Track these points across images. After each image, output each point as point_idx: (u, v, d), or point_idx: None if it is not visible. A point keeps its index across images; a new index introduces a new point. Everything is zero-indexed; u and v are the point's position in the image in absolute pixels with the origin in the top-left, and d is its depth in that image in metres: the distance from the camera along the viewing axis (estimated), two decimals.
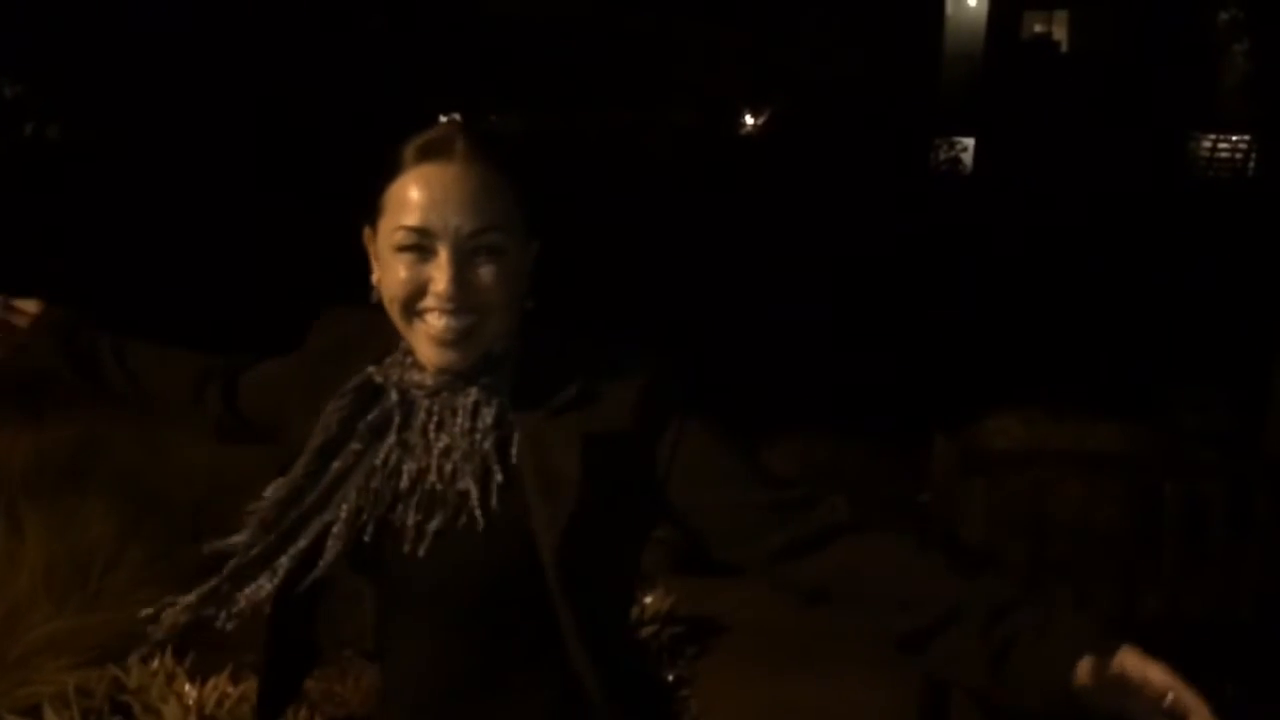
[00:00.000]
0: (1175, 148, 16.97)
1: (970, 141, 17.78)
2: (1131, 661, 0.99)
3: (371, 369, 1.29)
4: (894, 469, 6.00)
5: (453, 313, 1.21)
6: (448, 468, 1.23)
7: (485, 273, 1.21)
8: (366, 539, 1.25)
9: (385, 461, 1.26)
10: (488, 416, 1.24)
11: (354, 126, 14.62)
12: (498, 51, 15.97)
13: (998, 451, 4.46)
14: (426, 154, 1.23)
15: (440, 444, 1.24)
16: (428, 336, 1.22)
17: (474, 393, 1.25)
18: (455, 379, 1.25)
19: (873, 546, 1.18)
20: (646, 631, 3.87)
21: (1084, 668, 1.01)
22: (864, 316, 9.77)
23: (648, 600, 4.08)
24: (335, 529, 1.25)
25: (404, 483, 1.25)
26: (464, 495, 1.21)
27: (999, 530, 3.56)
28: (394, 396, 1.27)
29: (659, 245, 10.86)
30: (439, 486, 1.23)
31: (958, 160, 16.92)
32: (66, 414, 5.63)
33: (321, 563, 1.25)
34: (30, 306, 1.67)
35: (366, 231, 1.29)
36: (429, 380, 1.26)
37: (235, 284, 9.57)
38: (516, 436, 1.23)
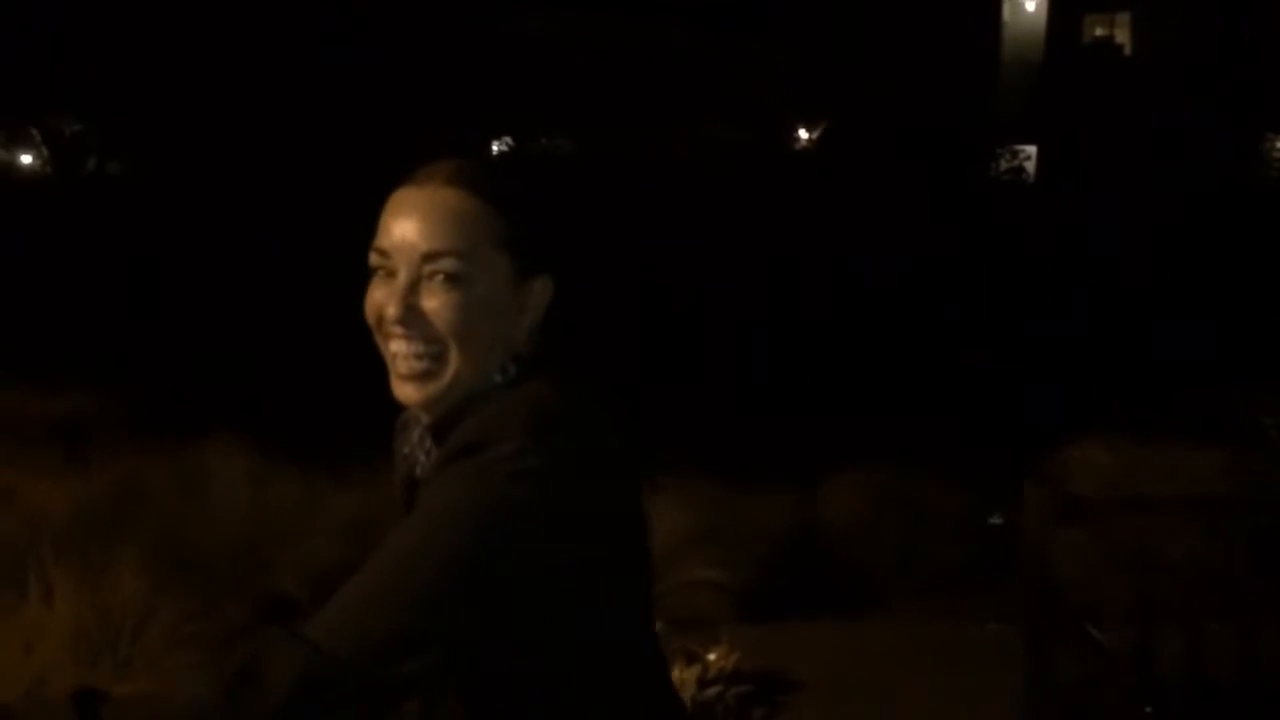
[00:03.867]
0: (1246, 150, 16.40)
1: (1032, 149, 17.34)
2: None
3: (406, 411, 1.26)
4: (966, 494, 5.69)
5: (406, 338, 1.14)
6: None
7: (440, 300, 1.13)
8: None
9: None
10: (429, 459, 1.19)
11: (412, 157, 14.62)
12: (549, 74, 15.90)
13: (1094, 499, 4.11)
14: (410, 180, 1.18)
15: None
16: (394, 371, 1.17)
17: (452, 438, 1.16)
18: (440, 419, 1.18)
19: None
20: (710, 693, 3.58)
21: None
22: (927, 336, 9.42)
23: (711, 657, 3.80)
24: None
25: None
26: None
27: (1097, 573, 3.27)
28: (416, 435, 1.24)
29: (715, 263, 10.63)
30: None
31: (1020, 169, 16.50)
32: (110, 458, 5.53)
33: None
34: None
35: None
36: (424, 418, 1.21)
37: (294, 312, 9.50)
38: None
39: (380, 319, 1.16)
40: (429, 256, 1.13)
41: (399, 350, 1.15)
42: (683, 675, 3.65)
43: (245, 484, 5.15)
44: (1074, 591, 3.30)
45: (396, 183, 1.19)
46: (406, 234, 1.14)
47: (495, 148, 17.57)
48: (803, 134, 17.39)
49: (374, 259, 1.17)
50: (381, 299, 1.16)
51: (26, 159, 22.28)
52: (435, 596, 1.01)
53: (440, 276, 1.13)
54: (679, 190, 12.64)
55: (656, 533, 4.78)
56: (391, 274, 1.15)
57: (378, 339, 1.18)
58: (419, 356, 1.14)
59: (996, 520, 5.55)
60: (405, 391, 1.17)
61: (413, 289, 1.14)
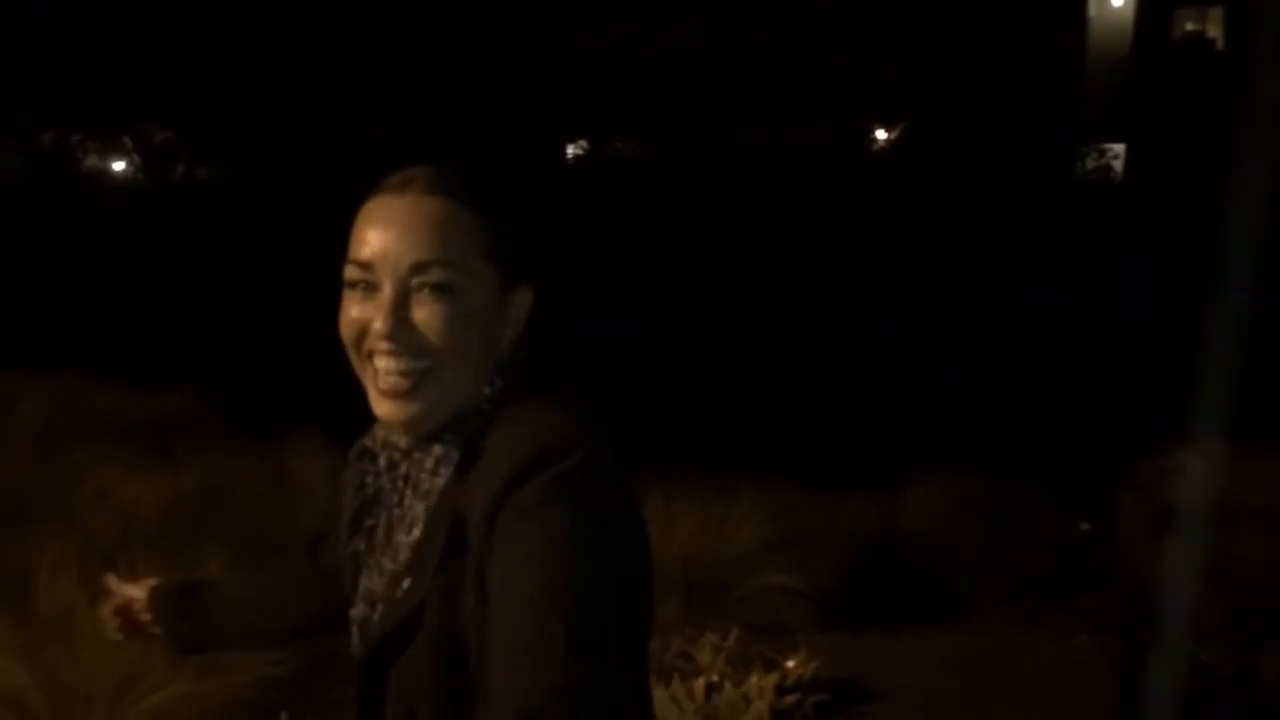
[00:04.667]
0: None
1: (1121, 148, 16.88)
2: None
3: (366, 435, 1.21)
4: (1052, 501, 5.52)
5: (394, 354, 1.08)
6: (410, 541, 1.13)
7: (431, 312, 1.08)
8: (360, 618, 1.18)
9: (382, 536, 1.16)
10: (441, 479, 1.11)
11: (488, 160, 14.81)
12: (624, 79, 15.93)
13: (1191, 509, 3.96)
14: (383, 188, 1.13)
15: (410, 513, 1.14)
16: (374, 385, 1.11)
17: (435, 451, 1.13)
18: (422, 437, 1.13)
19: None
20: (788, 701, 3.52)
21: None
22: (1013, 337, 9.20)
23: (789, 664, 3.74)
24: (352, 614, 1.18)
25: (386, 559, 1.16)
26: (389, 583, 1.13)
27: (1195, 586, 3.14)
28: (383, 461, 1.18)
29: (791, 266, 10.52)
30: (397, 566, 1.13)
31: (1108, 168, 16.06)
32: (199, 457, 5.66)
33: (354, 652, 1.17)
34: (138, 591, 1.53)
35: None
36: (402, 441, 1.16)
37: None
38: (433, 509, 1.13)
39: (362, 335, 1.10)
40: (418, 267, 1.07)
41: (384, 367, 1.09)
42: (760, 682, 3.60)
43: (328, 484, 5.22)
44: (1171, 605, 3.17)
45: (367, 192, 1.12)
46: (391, 244, 1.08)
47: (570, 151, 17.66)
48: (880, 134, 17.16)
49: (351, 273, 1.10)
50: (362, 314, 1.10)
51: (119, 166, 23.02)
52: (602, 632, 0.96)
53: (429, 288, 1.08)
54: (754, 192, 12.55)
55: (734, 537, 4.74)
56: (374, 288, 1.09)
57: (355, 357, 1.12)
58: (404, 373, 1.08)
59: (1085, 528, 5.39)
60: (390, 409, 1.10)
61: (401, 302, 1.08)
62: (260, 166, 16.59)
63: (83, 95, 18.28)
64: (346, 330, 1.12)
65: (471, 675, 1.04)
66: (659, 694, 3.44)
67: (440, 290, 1.08)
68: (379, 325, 1.08)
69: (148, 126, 20.21)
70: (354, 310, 1.11)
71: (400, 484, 1.15)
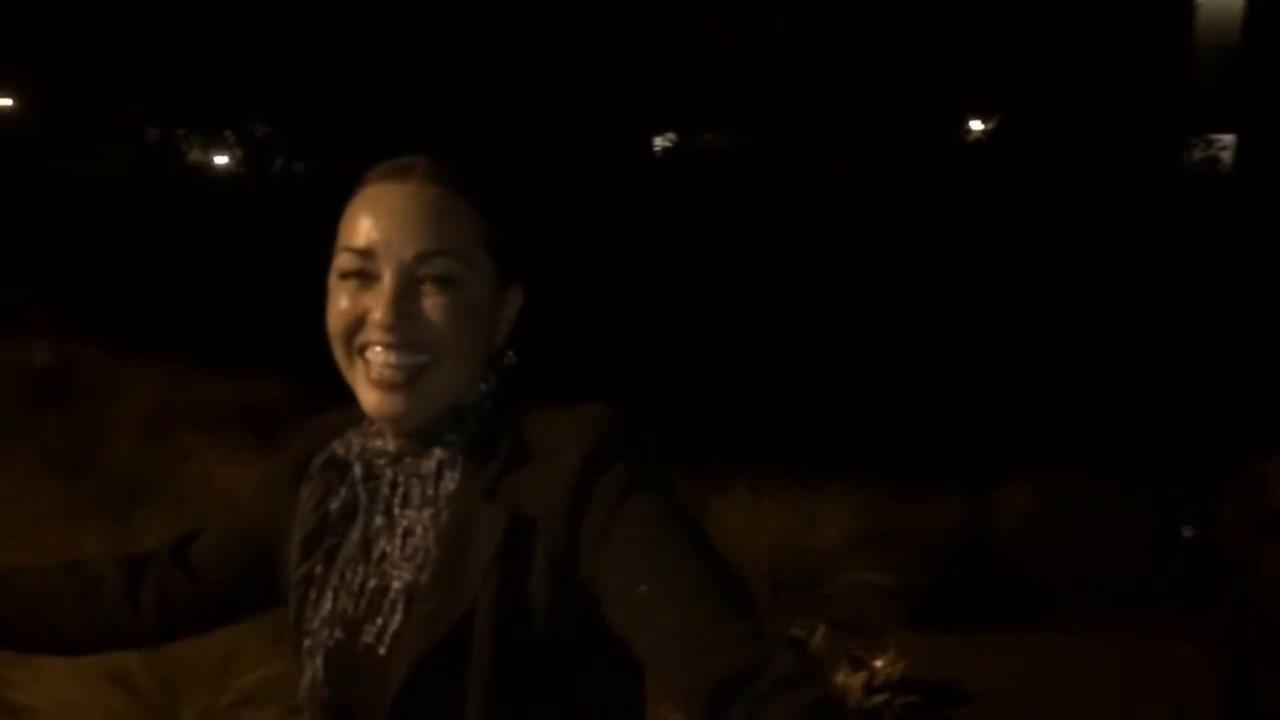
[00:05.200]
0: None
1: (1230, 139, 16.23)
2: None
3: (336, 443, 1.12)
4: (1153, 503, 5.35)
5: (394, 347, 1.02)
6: (405, 555, 1.05)
7: (433, 304, 1.03)
8: (330, 644, 1.06)
9: (357, 552, 1.07)
10: (450, 483, 1.05)
11: (596, 155, 14.89)
12: (713, 71, 15.86)
13: None
14: (380, 175, 1.08)
15: (403, 523, 1.06)
16: (367, 378, 1.04)
17: (437, 454, 1.06)
18: (419, 440, 1.06)
19: None
20: (876, 700, 3.48)
21: None
22: (1116, 334, 8.93)
23: (878, 664, 3.69)
24: (307, 644, 1.07)
25: (370, 578, 1.06)
26: (391, 599, 1.03)
27: None
28: (358, 471, 1.09)
29: (884, 258, 10.37)
30: (390, 585, 1.04)
31: (1215, 159, 15.45)
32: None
33: (302, 686, 1.07)
34: None
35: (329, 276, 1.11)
36: (391, 445, 1.08)
37: None
38: (444, 515, 1.04)
39: (356, 328, 1.04)
40: (422, 257, 1.03)
41: (380, 360, 1.02)
42: (847, 680, 3.56)
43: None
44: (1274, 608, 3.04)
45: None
46: (393, 233, 1.03)
47: (657, 143, 17.65)
48: (975, 125, 16.79)
49: (347, 262, 1.04)
50: (356, 306, 1.03)
51: (221, 160, 23.73)
52: (741, 585, 0.97)
53: (433, 279, 1.03)
54: (845, 185, 12.40)
55: (822, 533, 4.70)
56: (371, 278, 1.03)
57: (343, 351, 1.06)
58: (401, 367, 1.02)
59: (1188, 533, 5.21)
60: (383, 401, 1.03)
61: (403, 293, 1.02)
62: (355, 161, 16.93)
63: (188, 91, 18.86)
64: (337, 322, 1.05)
65: (538, 666, 1.00)
66: None
67: (443, 282, 1.03)
68: (379, 316, 1.02)
69: (249, 121, 20.77)
70: (345, 302, 1.04)
71: (386, 492, 1.07)
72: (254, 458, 5.50)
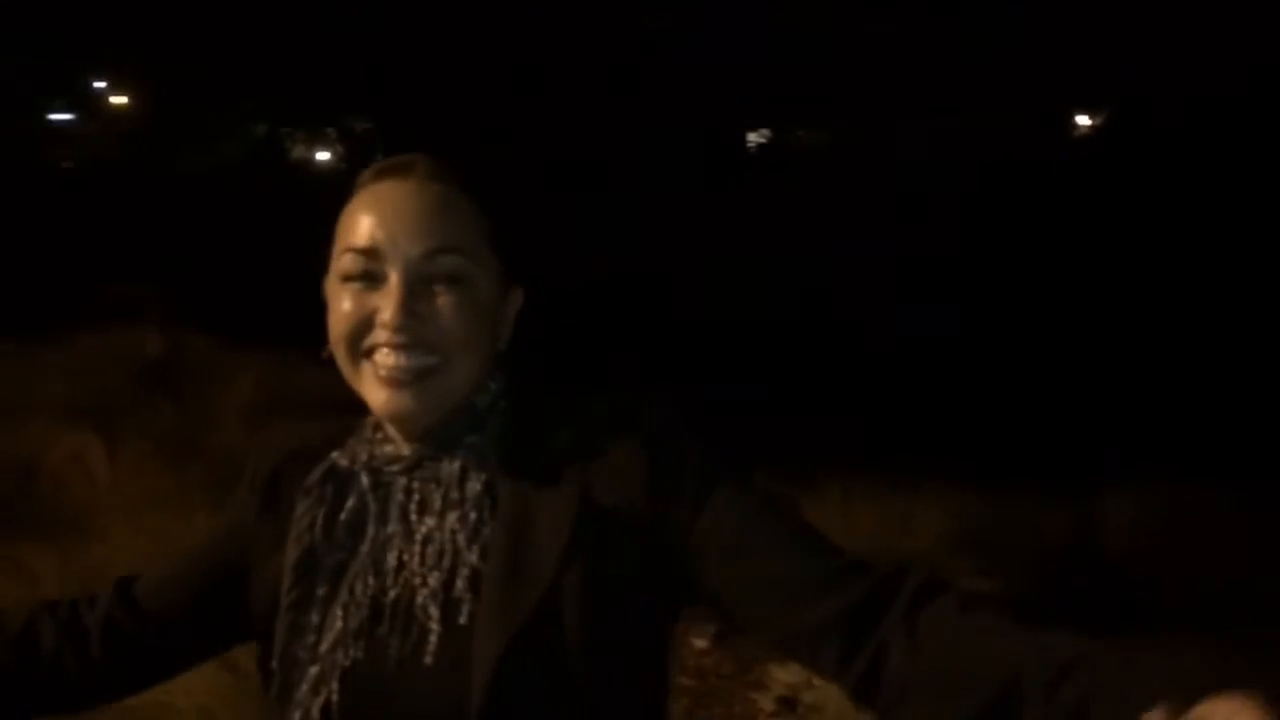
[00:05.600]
0: None
1: None
2: (1220, 709, 0.74)
3: (335, 454, 1.07)
4: (1275, 513, 5.12)
5: (404, 348, 0.99)
6: (429, 563, 1.00)
7: (442, 303, 1.01)
8: (346, 665, 1.00)
9: (367, 565, 1.02)
10: (475, 485, 1.02)
11: (667, 146, 14.87)
12: (809, 66, 15.70)
13: None
14: (381, 174, 1.05)
15: (422, 530, 1.02)
16: (375, 378, 1.01)
17: (459, 456, 1.03)
18: (435, 445, 1.03)
19: (937, 621, 0.92)
20: None
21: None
22: (1240, 337, 8.58)
23: None
24: (313, 671, 1.00)
25: (388, 590, 1.01)
26: (424, 605, 0.99)
27: None
28: (365, 481, 1.05)
29: (989, 260, 10.15)
30: (418, 594, 1.00)
31: None
32: None
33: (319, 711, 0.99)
34: None
35: (326, 281, 1.08)
36: (405, 450, 1.04)
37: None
38: (472, 517, 1.01)
39: (364, 330, 1.01)
40: (429, 255, 1.00)
41: (390, 362, 1.00)
42: None
43: None
44: None
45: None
46: (398, 231, 1.00)
47: (751, 139, 17.54)
48: (1082, 120, 16.31)
49: (350, 263, 1.01)
50: (361, 307, 1.01)
51: (323, 156, 24.32)
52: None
53: (442, 277, 1.01)
54: (946, 184, 12.16)
55: (916, 537, 4.60)
56: (377, 278, 1.01)
57: (347, 354, 1.02)
58: (411, 368, 1.00)
59: None
60: (394, 400, 1.00)
61: (412, 292, 1.00)
62: (454, 157, 17.18)
63: (294, 88, 19.36)
64: (342, 325, 1.02)
65: (621, 648, 1.00)
66: (837, 692, 3.38)
67: (452, 280, 1.01)
68: (388, 317, 0.99)
69: (351, 118, 21.23)
70: (350, 304, 1.01)
71: (400, 499, 1.03)
72: None
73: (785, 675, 3.44)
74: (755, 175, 15.71)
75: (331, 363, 1.06)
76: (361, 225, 1.02)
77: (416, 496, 1.03)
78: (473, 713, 0.95)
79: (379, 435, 1.07)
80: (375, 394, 1.01)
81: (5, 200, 14.62)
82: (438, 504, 1.02)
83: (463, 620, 0.97)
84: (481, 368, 1.05)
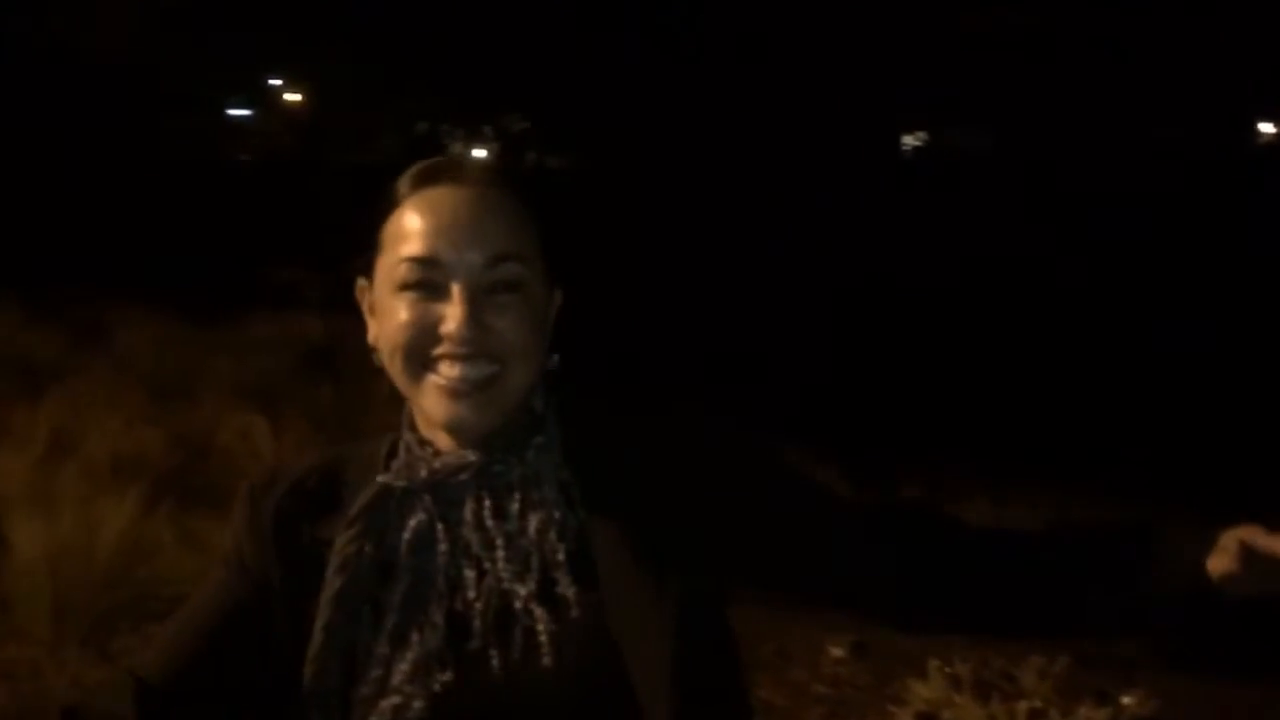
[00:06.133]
0: None
1: None
2: (1261, 538, 0.95)
3: (383, 478, 1.03)
4: None
5: (468, 359, 0.98)
6: (516, 567, 0.99)
7: (503, 311, 1.00)
8: (437, 689, 0.97)
9: (442, 585, 1.00)
10: (551, 485, 1.02)
11: (842, 154, 14.71)
12: (969, 69, 15.29)
13: None
14: (430, 178, 1.03)
15: (501, 536, 1.00)
16: (438, 389, 0.99)
17: (529, 459, 1.02)
18: (502, 450, 1.02)
19: (961, 529, 1.10)
20: None
21: (1218, 560, 0.98)
22: None
23: (1125, 700, 3.44)
24: (388, 703, 0.97)
25: (474, 604, 0.99)
26: (526, 608, 0.98)
27: None
28: (428, 498, 1.02)
29: (1161, 275, 9.70)
30: (513, 600, 0.99)
31: None
32: None
33: None
34: None
35: (359, 285, 1.07)
36: (471, 457, 1.01)
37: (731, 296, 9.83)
38: (582, 518, 1.01)
39: (427, 341, 0.98)
40: (492, 263, 0.99)
41: (455, 374, 0.98)
42: (1091, 715, 3.35)
43: None
44: None
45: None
46: (460, 240, 0.98)
47: (907, 143, 17.18)
48: (1266, 128, 15.38)
49: (406, 273, 0.99)
50: (422, 317, 0.98)
51: (479, 153, 24.97)
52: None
53: (503, 285, 0.99)
54: (1115, 192, 11.66)
55: None
56: (437, 288, 0.98)
57: (405, 366, 1.00)
58: (473, 379, 0.98)
59: None
60: (461, 411, 0.98)
61: (476, 301, 0.98)
62: (610, 157, 17.39)
63: (454, 88, 19.94)
64: (400, 336, 0.99)
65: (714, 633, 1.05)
66: (977, 710, 3.28)
67: (511, 287, 1.00)
68: (453, 328, 0.97)
69: (508, 117, 21.72)
70: (407, 314, 0.99)
71: (473, 507, 1.01)
72: None
73: (925, 690, 3.35)
74: (910, 178, 15.37)
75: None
76: (419, 233, 1.00)
77: (488, 503, 1.01)
78: (664, 687, 0.96)
79: (428, 450, 1.04)
80: (437, 405, 0.99)
81: (186, 191, 15.52)
82: (515, 508, 1.01)
83: (575, 614, 0.97)
84: (534, 374, 1.04)
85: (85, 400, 5.44)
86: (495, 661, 0.97)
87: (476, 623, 0.98)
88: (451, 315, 0.98)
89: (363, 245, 1.05)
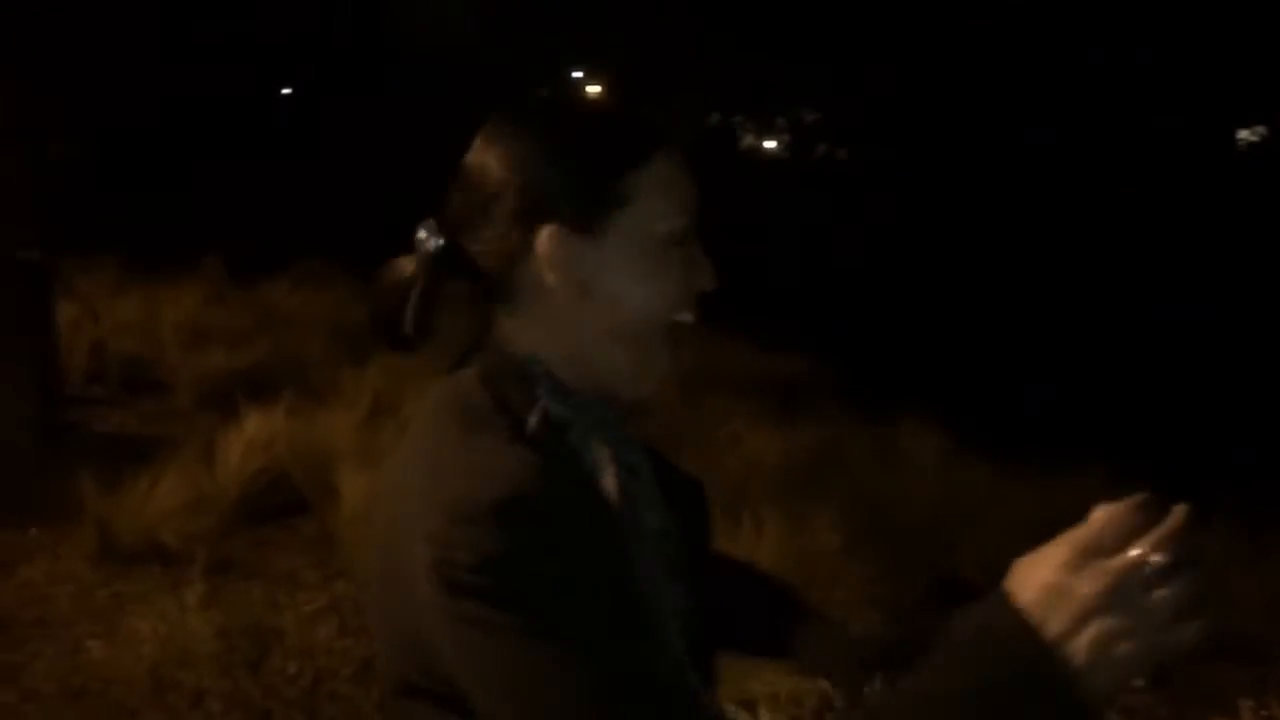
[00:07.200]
0: None
1: None
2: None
3: (595, 453, 0.97)
4: None
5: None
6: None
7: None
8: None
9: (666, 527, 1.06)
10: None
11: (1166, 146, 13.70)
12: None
13: None
14: (665, 138, 1.00)
15: (650, 478, 1.07)
16: (668, 341, 1.01)
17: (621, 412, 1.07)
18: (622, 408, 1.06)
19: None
20: None
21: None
22: None
23: None
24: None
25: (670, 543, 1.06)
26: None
27: None
28: (634, 453, 1.05)
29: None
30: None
31: None
32: (817, 420, 6.03)
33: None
34: None
35: (556, 231, 0.96)
36: (612, 413, 1.03)
37: (996, 305, 9.47)
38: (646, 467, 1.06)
39: (688, 295, 1.00)
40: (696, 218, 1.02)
41: (685, 322, 1.01)
42: None
43: (935, 465, 5.28)
44: None
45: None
46: (697, 197, 1.01)
47: (1243, 137, 15.68)
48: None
49: (680, 228, 0.99)
50: (689, 272, 1.00)
51: (770, 145, 25.03)
52: None
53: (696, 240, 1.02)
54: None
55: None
56: (686, 245, 1.00)
57: (656, 322, 0.99)
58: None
59: None
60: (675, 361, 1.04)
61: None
62: (908, 150, 17.02)
63: (746, 79, 20.10)
64: (676, 291, 0.99)
65: None
66: None
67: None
68: (708, 282, 1.01)
69: (801, 110, 21.67)
70: (680, 268, 0.99)
71: (641, 460, 1.05)
72: (776, 427, 5.81)
73: None
74: (1246, 175, 14.02)
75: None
76: (681, 190, 1.00)
77: (640, 452, 1.06)
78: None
79: (596, 407, 1.01)
80: (663, 358, 1.01)
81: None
82: (642, 457, 1.06)
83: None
84: None
85: (404, 366, 5.92)
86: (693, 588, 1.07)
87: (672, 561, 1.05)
88: (704, 272, 1.01)
89: (576, 190, 0.97)
